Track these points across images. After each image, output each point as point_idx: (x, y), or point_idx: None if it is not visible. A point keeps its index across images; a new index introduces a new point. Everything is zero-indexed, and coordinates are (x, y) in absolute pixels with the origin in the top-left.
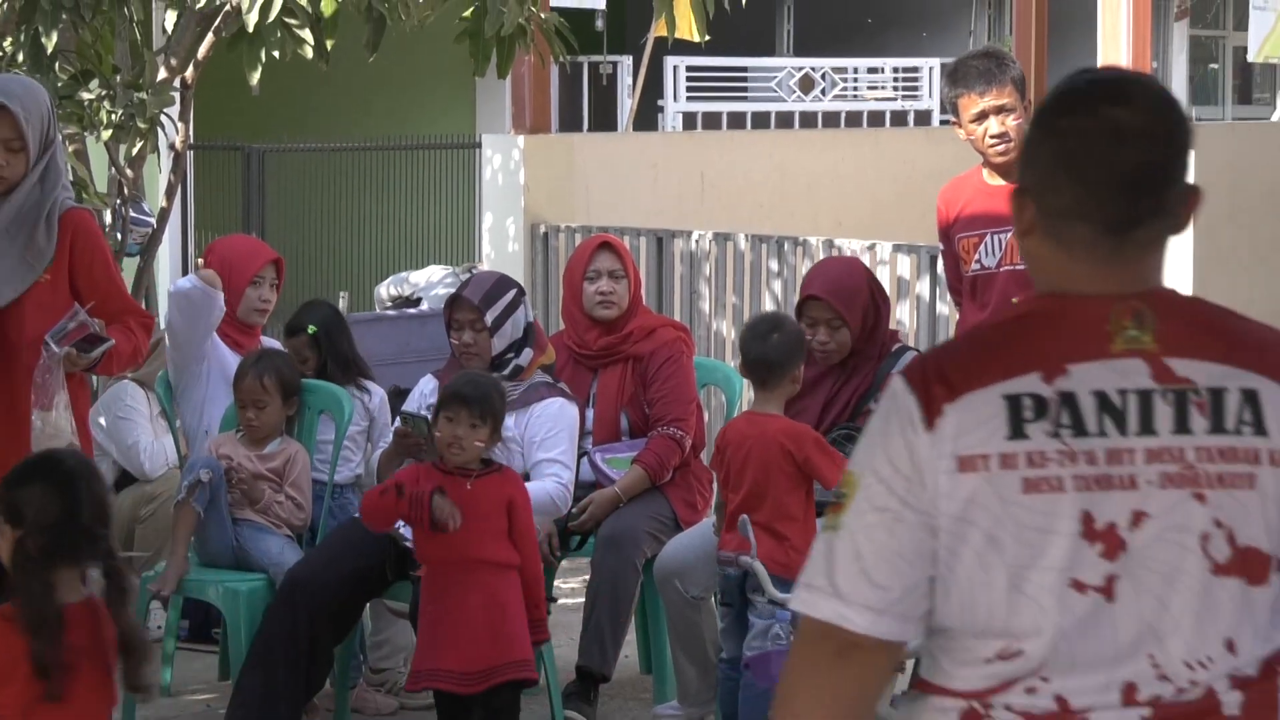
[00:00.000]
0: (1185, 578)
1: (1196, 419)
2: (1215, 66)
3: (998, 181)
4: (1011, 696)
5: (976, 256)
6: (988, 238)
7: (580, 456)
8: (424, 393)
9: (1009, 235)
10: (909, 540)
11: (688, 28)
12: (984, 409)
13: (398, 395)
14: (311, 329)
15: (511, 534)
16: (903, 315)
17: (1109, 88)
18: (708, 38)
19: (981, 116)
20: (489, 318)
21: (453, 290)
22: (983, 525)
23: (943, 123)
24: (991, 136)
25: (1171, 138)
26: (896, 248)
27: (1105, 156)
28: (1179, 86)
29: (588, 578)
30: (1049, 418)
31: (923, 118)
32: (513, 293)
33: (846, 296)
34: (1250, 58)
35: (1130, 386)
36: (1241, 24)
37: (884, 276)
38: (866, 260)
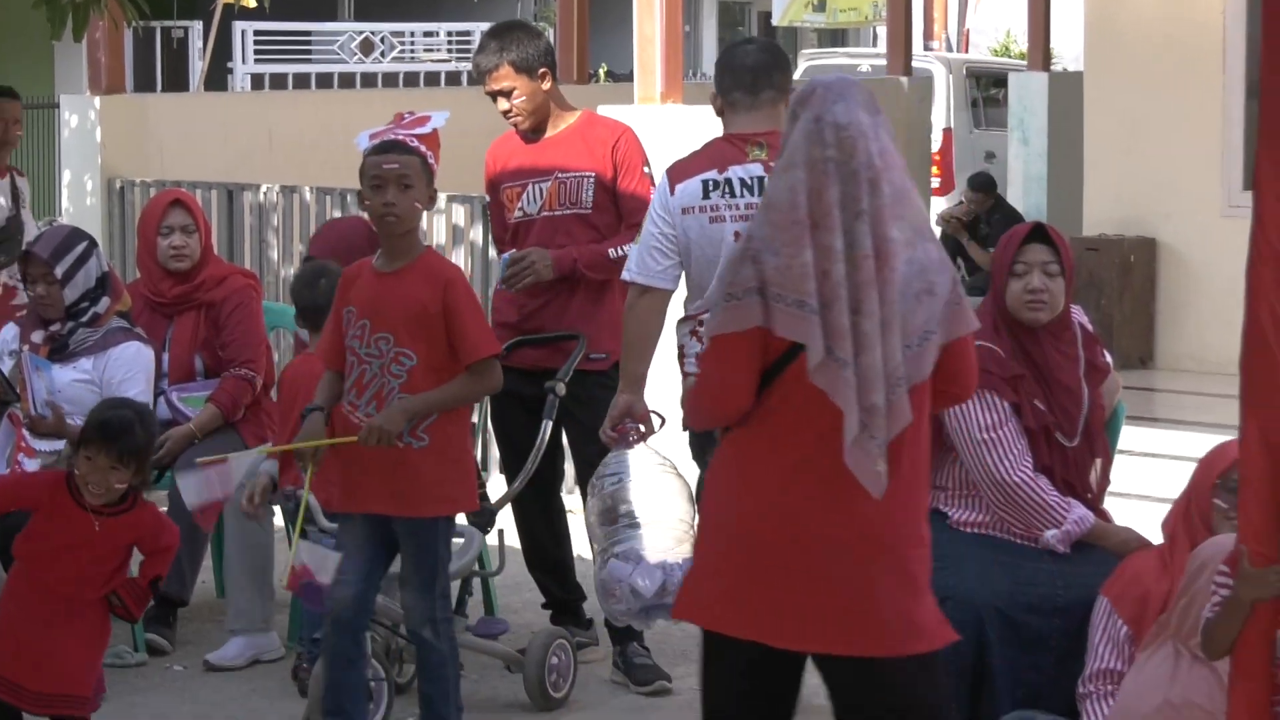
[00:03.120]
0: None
1: None
2: (742, 29)
3: (527, 143)
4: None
5: (519, 205)
6: (529, 187)
7: (157, 396)
8: (5, 340)
9: (548, 185)
10: (669, 245)
11: None
12: (693, 185)
13: None
14: None
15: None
16: (458, 259)
17: (741, 41)
18: (269, 2)
19: (493, 96)
20: (59, 270)
21: None
22: (695, 238)
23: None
24: (503, 113)
25: (772, 53)
26: (451, 198)
27: (743, 61)
28: (709, 48)
29: (166, 509)
30: (719, 189)
31: (475, 78)
32: (83, 245)
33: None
34: (774, 22)
35: (754, 176)
36: None
37: (440, 225)
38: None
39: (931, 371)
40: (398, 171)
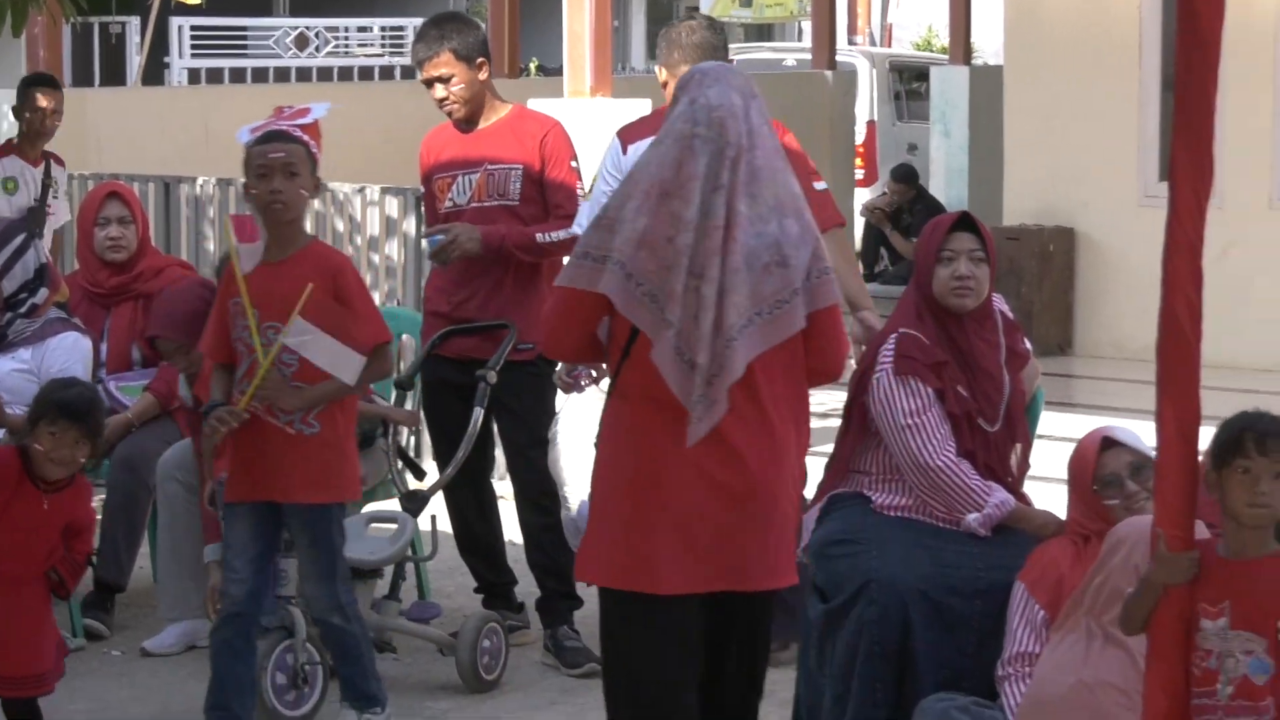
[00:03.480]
0: None
1: None
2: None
3: (462, 132)
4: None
5: (449, 195)
6: (459, 179)
7: (95, 385)
8: None
9: (477, 176)
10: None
11: None
12: (645, 146)
13: None
14: None
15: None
16: (391, 251)
17: (686, 18)
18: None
19: (429, 83)
20: None
21: None
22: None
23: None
24: (438, 100)
25: (717, 31)
26: (385, 190)
27: (690, 39)
28: (638, 43)
29: (104, 497)
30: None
31: (408, 72)
32: (21, 237)
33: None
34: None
35: None
36: None
37: (374, 216)
38: (357, 202)
39: (802, 337)
40: (284, 160)
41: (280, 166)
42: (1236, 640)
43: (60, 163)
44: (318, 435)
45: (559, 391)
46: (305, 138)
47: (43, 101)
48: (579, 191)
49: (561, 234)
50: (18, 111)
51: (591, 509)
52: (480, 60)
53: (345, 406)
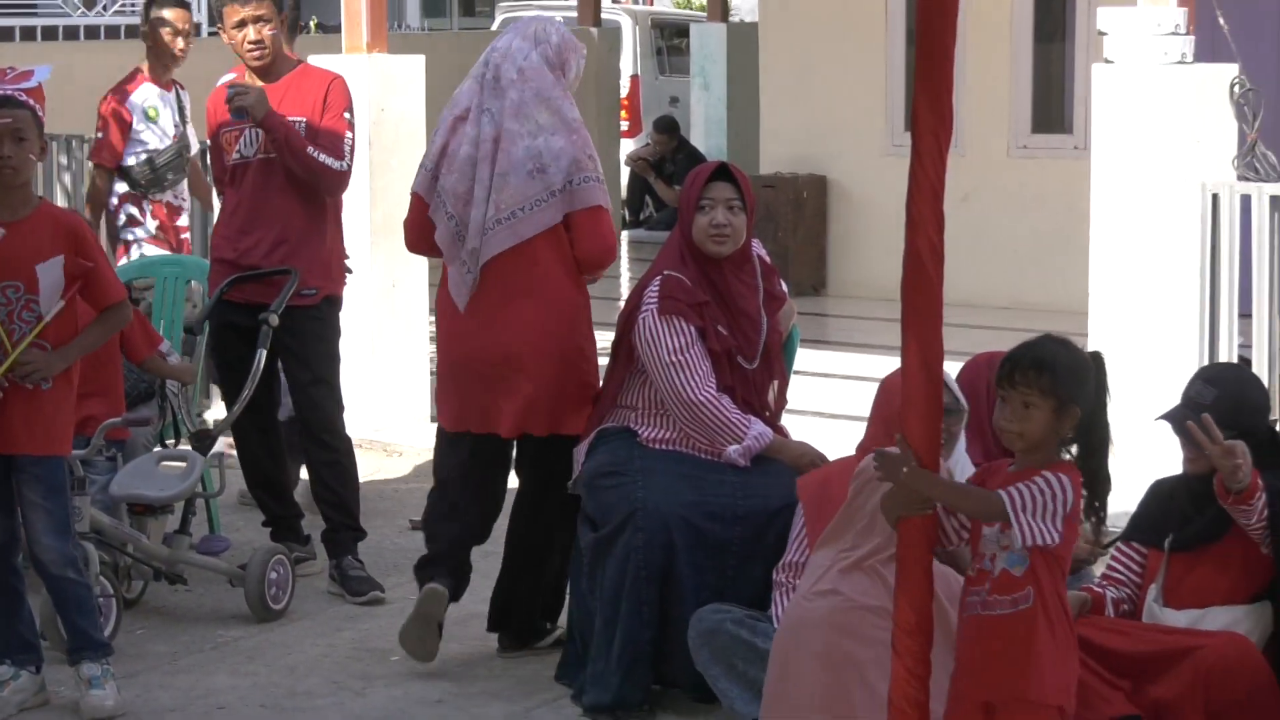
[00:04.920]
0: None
1: None
2: None
3: (259, 83)
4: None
5: (237, 148)
6: (246, 132)
7: None
8: None
9: (260, 130)
10: None
11: None
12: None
13: None
14: None
15: None
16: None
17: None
18: None
19: (241, 25)
20: None
21: None
22: None
23: (211, 34)
24: (250, 43)
25: None
26: None
27: None
28: (413, 2)
29: None
30: None
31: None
32: None
33: None
34: None
35: None
36: None
37: None
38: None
39: (562, 231)
40: (12, 125)
41: (9, 132)
42: (1003, 539)
43: (183, 88)
44: (52, 390)
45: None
46: (31, 102)
47: (172, 23)
48: (347, 139)
49: (329, 160)
50: (146, 34)
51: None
52: (284, 13)
53: (74, 366)
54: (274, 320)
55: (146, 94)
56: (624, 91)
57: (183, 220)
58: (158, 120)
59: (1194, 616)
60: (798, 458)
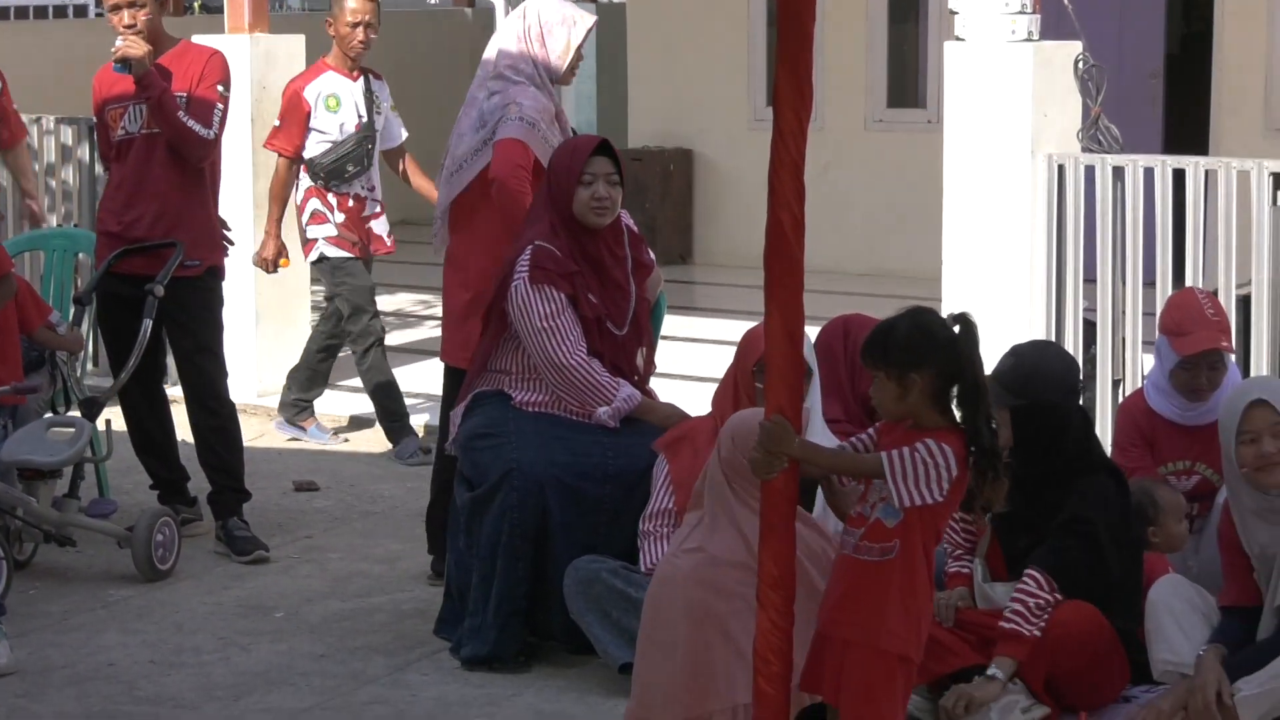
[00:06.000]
0: None
1: None
2: None
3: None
4: None
5: (122, 124)
6: (130, 109)
7: None
8: None
9: (145, 107)
10: None
11: None
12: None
13: None
14: None
15: None
16: (67, 175)
17: None
18: None
19: (116, 8)
20: None
21: None
22: None
23: (97, 15)
24: (124, 26)
25: None
26: (59, 120)
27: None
28: None
29: None
30: None
31: (80, 10)
32: None
33: None
34: None
35: None
36: None
37: (50, 144)
38: (35, 131)
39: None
40: None
41: None
42: (883, 490)
43: (378, 76)
44: None
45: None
46: None
47: (355, 14)
48: (217, 110)
49: (196, 127)
50: (332, 23)
51: None
52: None
53: None
54: (159, 291)
55: (328, 84)
56: None
57: (369, 210)
58: (337, 111)
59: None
60: (665, 419)
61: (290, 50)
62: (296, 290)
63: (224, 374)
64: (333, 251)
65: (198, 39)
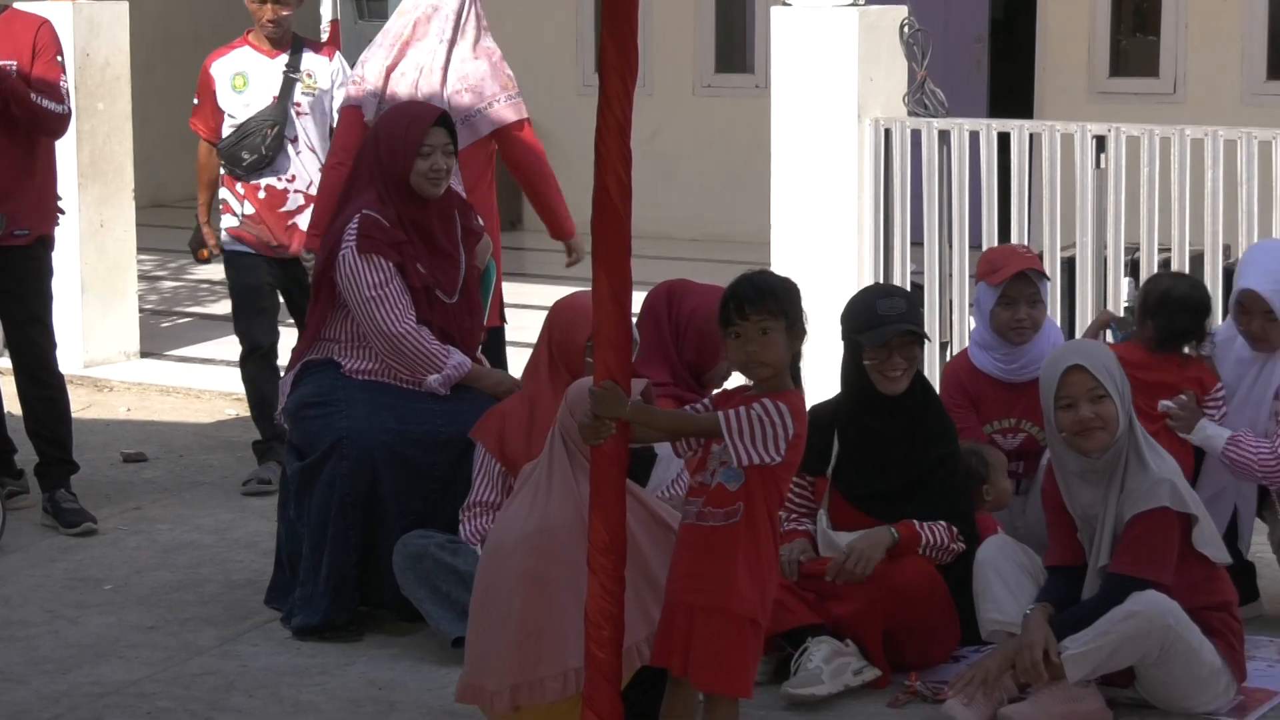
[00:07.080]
0: None
1: None
2: None
3: None
4: None
5: None
6: None
7: None
8: None
9: None
10: None
11: None
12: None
13: None
14: None
15: None
16: None
17: None
18: None
19: None
20: None
21: None
22: None
23: None
24: None
25: None
26: None
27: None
28: None
29: None
30: None
31: None
32: None
33: None
34: None
35: None
36: None
37: None
38: None
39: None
40: None
41: None
42: (723, 454)
43: (324, 51)
44: None
45: None
46: None
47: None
48: (62, 83)
49: (51, 105)
50: None
51: None
52: None
53: None
54: None
55: (238, 62)
56: (324, 36)
57: (290, 204)
58: (242, 91)
59: (858, 535)
60: (495, 385)
61: (114, 17)
62: (121, 261)
63: (53, 345)
64: (230, 244)
65: (21, 5)
